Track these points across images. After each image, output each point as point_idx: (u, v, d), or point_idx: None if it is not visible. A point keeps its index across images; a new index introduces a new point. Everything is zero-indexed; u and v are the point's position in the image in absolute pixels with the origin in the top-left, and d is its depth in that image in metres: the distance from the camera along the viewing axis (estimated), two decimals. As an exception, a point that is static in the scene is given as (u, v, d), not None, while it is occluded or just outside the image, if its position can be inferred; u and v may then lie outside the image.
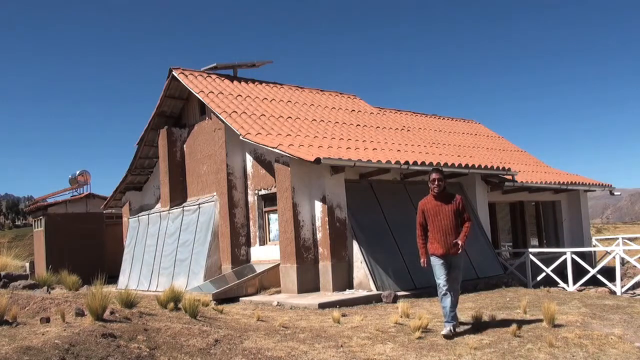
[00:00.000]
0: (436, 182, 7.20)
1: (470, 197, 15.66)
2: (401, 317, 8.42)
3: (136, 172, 19.01)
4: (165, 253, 16.47)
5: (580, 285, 13.99)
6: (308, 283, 12.34)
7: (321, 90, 19.59)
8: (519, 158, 22.91)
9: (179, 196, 17.03)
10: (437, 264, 7.17)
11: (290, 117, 15.53)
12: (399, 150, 15.04)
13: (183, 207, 16.42)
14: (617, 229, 49.07)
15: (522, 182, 17.04)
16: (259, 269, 13.20)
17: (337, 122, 16.59)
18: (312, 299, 10.96)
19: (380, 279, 12.02)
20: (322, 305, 10.27)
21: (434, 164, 13.72)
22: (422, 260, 7.29)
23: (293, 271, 12.32)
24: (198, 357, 5.90)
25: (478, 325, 7.62)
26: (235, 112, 14.44)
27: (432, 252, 7.17)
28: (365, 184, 13.76)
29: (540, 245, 19.53)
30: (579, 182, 19.74)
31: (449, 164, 14.14)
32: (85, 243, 23.54)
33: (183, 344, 6.27)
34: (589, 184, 20.20)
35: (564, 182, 18.99)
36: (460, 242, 7.03)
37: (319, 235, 12.62)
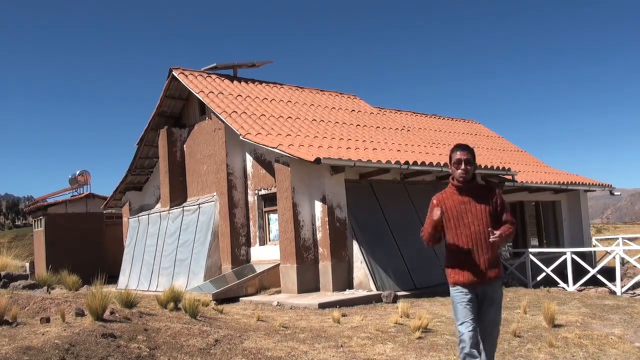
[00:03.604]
0: (462, 165, 4.39)
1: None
2: (401, 317, 8.42)
3: (136, 172, 19.01)
4: (165, 253, 16.48)
5: (580, 285, 13.98)
6: (308, 283, 12.34)
7: (321, 90, 19.59)
8: (519, 158, 22.92)
9: (179, 196, 17.04)
10: (459, 300, 4.35)
11: (290, 117, 15.53)
12: (399, 150, 15.04)
13: (183, 207, 16.43)
14: (617, 229, 49.04)
15: (522, 182, 17.04)
16: (259, 269, 13.21)
17: (337, 122, 16.60)
18: (312, 299, 10.96)
19: (380, 279, 12.02)
20: (322, 305, 10.28)
21: (434, 164, 13.73)
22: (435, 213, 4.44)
23: (293, 271, 12.32)
24: (198, 357, 5.90)
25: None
26: (235, 112, 14.44)
27: (454, 281, 4.41)
28: (365, 184, 13.76)
29: (540, 245, 19.53)
30: (579, 182, 19.74)
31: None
32: (85, 243, 23.55)
33: (183, 344, 6.27)
34: (589, 184, 20.20)
35: (564, 182, 18.99)
36: (496, 232, 4.26)
37: (319, 235, 12.62)
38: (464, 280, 4.33)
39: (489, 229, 4.28)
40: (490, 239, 4.22)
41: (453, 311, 4.45)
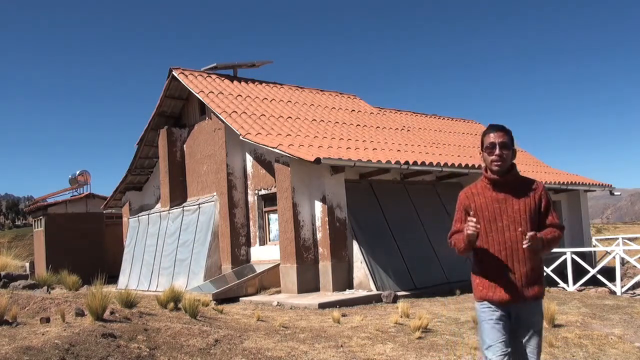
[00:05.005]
0: (497, 149, 3.39)
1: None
2: (401, 317, 8.42)
3: (136, 172, 19.02)
4: (165, 253, 16.48)
5: (580, 285, 13.97)
6: (308, 283, 12.34)
7: (321, 90, 19.60)
8: (519, 158, 22.92)
9: (179, 196, 17.04)
10: (486, 318, 3.42)
11: (290, 117, 15.53)
12: (399, 150, 15.04)
13: (183, 207, 16.43)
14: (617, 229, 49.00)
15: (522, 182, 17.01)
16: (259, 269, 13.21)
17: (337, 122, 16.60)
18: (312, 299, 10.96)
19: (380, 279, 12.02)
20: (322, 305, 10.28)
21: (434, 164, 13.73)
22: (470, 227, 3.29)
23: (293, 271, 12.32)
24: (198, 357, 5.90)
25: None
26: (235, 112, 14.44)
27: (481, 296, 3.45)
28: (365, 184, 13.76)
29: (540, 245, 19.49)
30: (579, 182, 19.75)
31: (449, 164, 14.14)
32: (85, 243, 23.56)
33: (183, 344, 6.27)
34: (589, 184, 20.20)
35: (564, 182, 18.99)
36: (535, 236, 3.25)
37: (319, 235, 12.62)
38: (495, 297, 3.38)
39: (520, 229, 3.33)
40: (524, 243, 3.24)
41: (479, 332, 3.49)
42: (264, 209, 14.41)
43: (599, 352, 6.29)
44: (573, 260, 14.17)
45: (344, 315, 8.90)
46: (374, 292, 11.57)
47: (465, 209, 3.50)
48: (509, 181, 3.44)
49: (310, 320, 8.78)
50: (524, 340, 3.39)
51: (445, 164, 14.00)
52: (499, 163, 3.38)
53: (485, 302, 3.42)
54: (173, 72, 16.12)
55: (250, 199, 14.57)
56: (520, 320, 3.38)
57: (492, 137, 3.40)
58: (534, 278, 3.38)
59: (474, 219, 3.32)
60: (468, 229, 3.30)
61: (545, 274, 14.83)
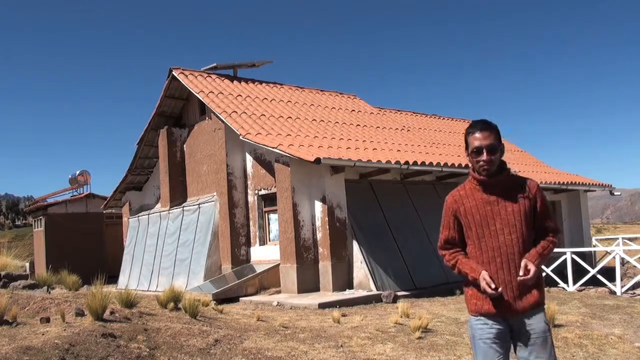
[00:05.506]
0: (484, 155, 3.16)
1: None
2: (401, 317, 8.42)
3: (136, 172, 19.03)
4: (165, 253, 16.49)
5: (580, 285, 13.97)
6: (308, 283, 12.34)
7: (321, 90, 19.60)
8: (519, 158, 22.93)
9: (179, 196, 17.05)
10: (481, 336, 3.07)
11: (290, 117, 15.53)
12: (399, 150, 15.05)
13: (183, 207, 16.43)
14: (617, 229, 48.96)
15: (522, 182, 17.02)
16: (259, 269, 13.21)
17: (337, 122, 16.60)
18: (312, 299, 10.96)
19: (380, 279, 12.02)
20: (322, 305, 10.28)
21: (434, 164, 13.73)
22: (485, 285, 2.99)
23: (293, 271, 12.32)
24: (198, 357, 5.90)
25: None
26: (235, 112, 14.44)
27: (476, 310, 3.11)
28: (365, 184, 13.76)
29: (540, 245, 19.48)
30: (579, 182, 19.75)
31: (449, 164, 14.14)
32: (85, 243, 23.56)
33: (183, 344, 6.27)
34: (589, 184, 20.21)
35: (564, 182, 19.00)
36: (531, 267, 2.98)
37: (319, 235, 12.62)
38: (491, 310, 3.03)
39: (525, 261, 3.00)
40: (520, 278, 2.96)
41: (473, 350, 3.13)
42: (264, 209, 14.41)
43: (599, 352, 6.30)
44: (573, 260, 14.17)
45: (344, 315, 8.91)
46: (374, 292, 11.57)
47: (454, 214, 3.25)
48: (500, 182, 3.18)
49: (310, 320, 8.78)
50: (530, 354, 3.01)
51: (445, 164, 14.00)
52: (487, 167, 3.16)
53: (481, 317, 3.08)
54: (173, 72, 16.12)
55: (250, 199, 14.57)
56: (522, 332, 3.04)
57: (478, 140, 3.18)
58: (532, 284, 3.06)
59: (492, 287, 2.98)
60: (486, 291, 2.99)
61: (545, 274, 14.91)
